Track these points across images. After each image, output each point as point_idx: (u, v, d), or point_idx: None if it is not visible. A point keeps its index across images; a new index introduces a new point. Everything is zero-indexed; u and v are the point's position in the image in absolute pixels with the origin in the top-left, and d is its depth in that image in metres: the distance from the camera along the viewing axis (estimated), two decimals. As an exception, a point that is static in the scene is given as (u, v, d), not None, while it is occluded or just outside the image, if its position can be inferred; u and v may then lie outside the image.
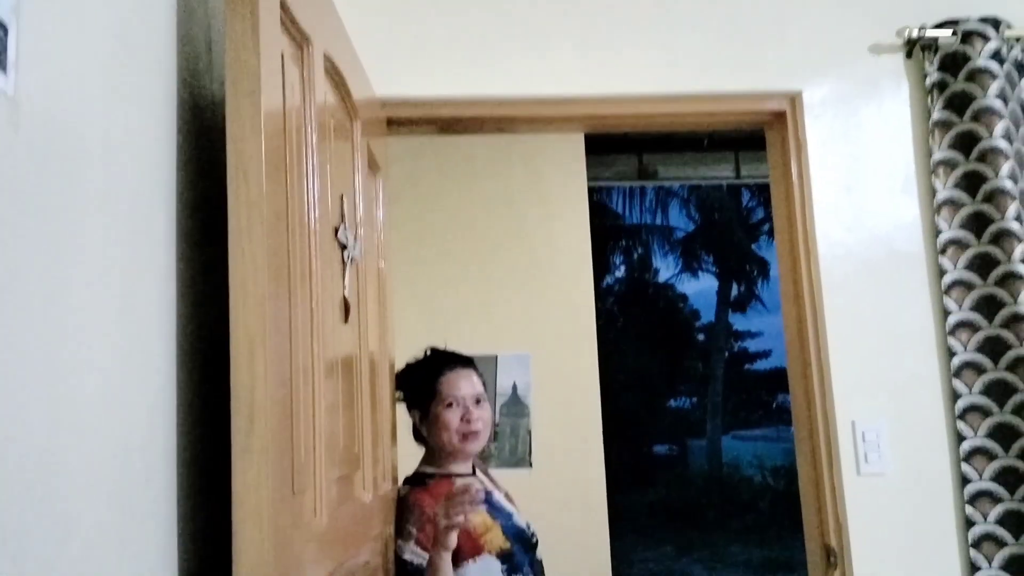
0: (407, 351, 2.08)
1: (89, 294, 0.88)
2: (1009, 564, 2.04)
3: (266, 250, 1.06)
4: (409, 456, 2.04)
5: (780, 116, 2.23)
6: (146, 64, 1.08)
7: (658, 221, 16.65)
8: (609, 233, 15.90)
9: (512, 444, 3.67)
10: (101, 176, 0.92)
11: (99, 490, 0.88)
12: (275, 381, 1.06)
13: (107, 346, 0.92)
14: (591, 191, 4.10)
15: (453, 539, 1.72)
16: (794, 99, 2.22)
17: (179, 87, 1.16)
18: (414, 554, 1.80)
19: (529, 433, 3.67)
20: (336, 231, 1.47)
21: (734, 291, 17.23)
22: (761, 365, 18.86)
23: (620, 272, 17.50)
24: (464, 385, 1.97)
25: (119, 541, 0.92)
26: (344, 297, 1.51)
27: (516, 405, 3.70)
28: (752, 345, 18.92)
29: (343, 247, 1.51)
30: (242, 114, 1.06)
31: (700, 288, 17.92)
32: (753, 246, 16.71)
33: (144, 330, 1.01)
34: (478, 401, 1.98)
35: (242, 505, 1.00)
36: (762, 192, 13.44)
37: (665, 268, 17.91)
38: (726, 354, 17.75)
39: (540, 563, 1.98)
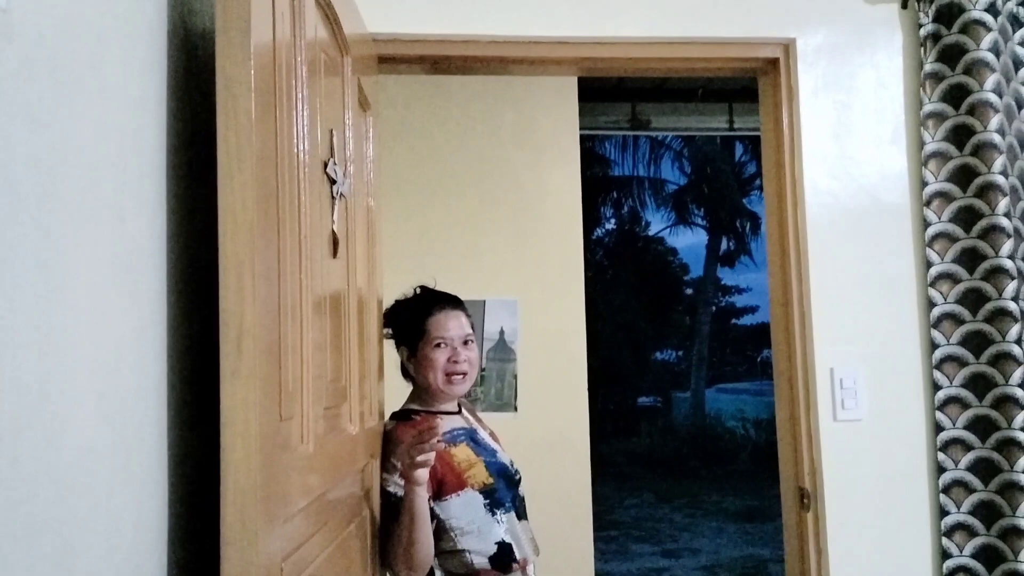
0: (396, 294, 2.10)
1: (78, 209, 0.89)
2: (976, 509, 2.10)
3: (255, 177, 1.07)
4: (396, 391, 2.07)
5: (773, 63, 2.23)
6: (135, -13, 1.07)
7: (650, 174, 16.62)
8: (600, 185, 15.88)
9: (498, 388, 3.72)
10: (91, 93, 0.92)
11: (90, 405, 0.90)
12: (263, 306, 1.08)
13: (97, 266, 0.93)
14: (584, 141, 4.10)
15: (423, 475, 1.76)
16: (788, 47, 2.21)
17: (170, 11, 1.16)
18: (397, 486, 1.83)
19: (515, 378, 3.72)
20: (325, 166, 1.48)
21: (724, 246, 17.29)
22: (747, 320, 19.10)
23: (611, 224, 17.54)
24: (453, 326, 1.99)
25: (111, 453, 0.95)
26: (333, 232, 1.52)
27: (503, 350, 3.74)
28: (739, 300, 19.13)
29: (332, 182, 1.52)
30: (231, 39, 1.06)
31: (690, 242, 18.00)
32: (744, 201, 16.72)
33: (134, 252, 1.03)
34: (466, 342, 2.00)
35: (231, 426, 1.02)
36: (755, 146, 13.40)
37: (656, 221, 17.95)
38: (713, 308, 17.90)
39: (522, 499, 2.03)
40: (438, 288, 2.09)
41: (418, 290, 2.09)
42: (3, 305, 0.73)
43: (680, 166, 16.79)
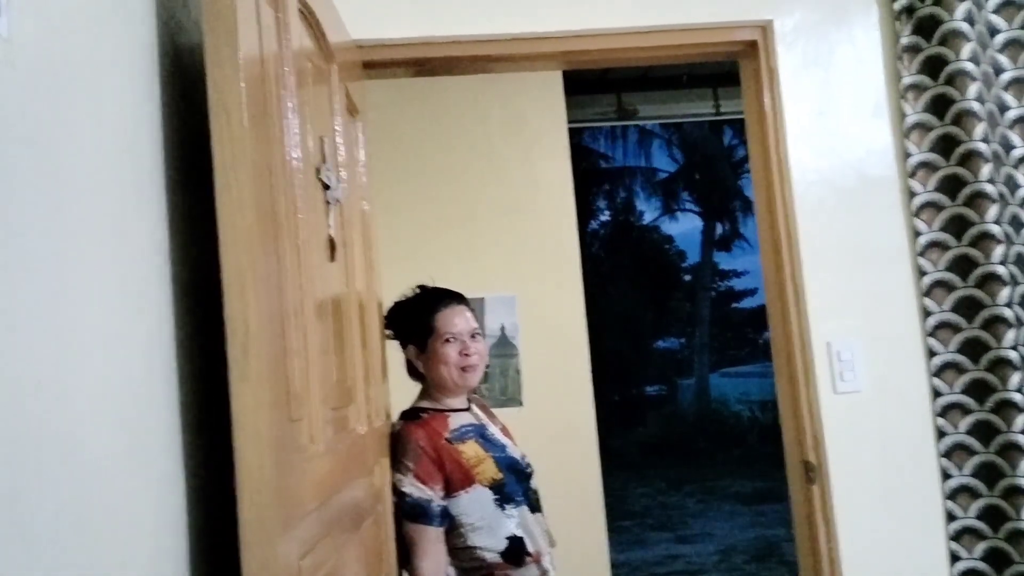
0: (395, 296, 2.12)
1: (82, 225, 0.92)
2: (978, 471, 2.14)
3: (250, 188, 1.10)
4: (401, 393, 2.09)
5: (752, 46, 2.26)
6: (127, 11, 1.10)
7: (642, 163, 16.65)
8: (592, 178, 15.90)
9: (502, 384, 3.74)
10: (89, 112, 0.95)
11: (105, 416, 0.93)
12: (266, 312, 1.11)
13: (104, 278, 0.96)
14: (573, 134, 4.12)
15: None
16: (765, 28, 2.24)
17: (159, 31, 1.19)
18: (413, 487, 1.85)
19: (518, 373, 3.75)
20: (318, 172, 1.51)
21: (719, 230, 17.32)
22: (747, 303, 19.05)
23: (605, 216, 17.56)
24: (460, 321, 2.02)
25: (127, 462, 0.98)
26: (329, 236, 1.55)
27: (505, 346, 3.76)
28: (738, 284, 19.09)
29: (326, 188, 1.54)
30: (220, 55, 1.09)
31: (685, 228, 18.02)
32: (737, 184, 16.74)
33: (138, 263, 1.06)
34: (474, 336, 2.03)
35: (242, 429, 1.05)
36: (743, 129, 13.42)
37: (649, 210, 17.98)
38: (712, 293, 17.93)
39: (536, 492, 2.04)
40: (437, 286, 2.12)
41: (417, 290, 2.11)
42: (21, 319, 0.76)
43: (670, 154, 16.83)
